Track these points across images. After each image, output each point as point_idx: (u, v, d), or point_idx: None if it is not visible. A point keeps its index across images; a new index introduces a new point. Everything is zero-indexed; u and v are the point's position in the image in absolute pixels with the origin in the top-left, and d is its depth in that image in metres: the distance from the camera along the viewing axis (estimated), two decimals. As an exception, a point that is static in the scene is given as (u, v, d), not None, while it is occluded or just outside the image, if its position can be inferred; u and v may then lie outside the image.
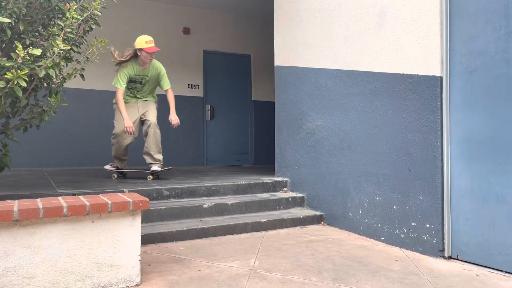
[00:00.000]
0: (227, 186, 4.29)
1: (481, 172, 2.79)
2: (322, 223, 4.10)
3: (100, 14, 2.92)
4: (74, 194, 3.49)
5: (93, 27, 3.07)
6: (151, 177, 4.59)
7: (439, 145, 3.00)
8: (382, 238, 3.43)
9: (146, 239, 3.20)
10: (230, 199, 4.05)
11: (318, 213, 4.12)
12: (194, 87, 7.29)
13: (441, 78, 3.01)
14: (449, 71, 3.00)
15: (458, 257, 2.93)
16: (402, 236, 3.26)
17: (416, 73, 3.17)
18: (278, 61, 4.88)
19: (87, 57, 3.06)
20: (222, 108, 7.62)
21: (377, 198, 3.48)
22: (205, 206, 3.79)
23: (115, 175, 4.89)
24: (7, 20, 2.29)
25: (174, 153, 7.10)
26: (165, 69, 4.80)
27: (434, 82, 3.04)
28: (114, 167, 4.92)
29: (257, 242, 3.38)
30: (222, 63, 7.65)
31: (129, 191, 3.68)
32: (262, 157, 7.95)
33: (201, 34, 7.40)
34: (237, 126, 7.80)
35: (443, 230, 3.00)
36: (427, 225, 3.07)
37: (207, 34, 7.47)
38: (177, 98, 7.10)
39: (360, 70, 3.66)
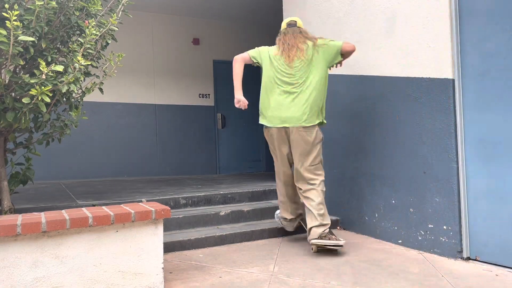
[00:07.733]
0: (242, 193, 4.33)
1: (497, 172, 2.80)
2: (338, 227, 4.12)
3: (116, 29, 3.01)
4: (94, 205, 3.56)
5: (109, 41, 3.16)
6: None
7: (454, 147, 3.02)
8: (400, 241, 3.44)
9: (166, 248, 3.25)
10: (245, 206, 4.09)
11: (333, 217, 4.13)
12: (205, 96, 7.38)
13: (453, 80, 3.03)
14: (461, 73, 3.02)
15: (477, 258, 2.93)
16: (420, 238, 3.27)
17: (428, 76, 3.19)
18: (289, 68, 4.92)
19: (104, 71, 3.15)
20: (233, 117, 7.69)
21: (393, 201, 3.50)
22: (222, 213, 3.84)
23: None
24: (31, 38, 2.38)
25: (187, 161, 7.17)
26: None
27: (446, 85, 3.06)
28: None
29: (274, 248, 3.41)
30: (231, 72, 7.70)
31: (147, 200, 3.74)
32: (274, 164, 7.98)
33: (210, 44, 7.51)
34: (248, 133, 7.86)
35: (460, 231, 3.00)
36: (444, 227, 3.08)
37: (216, 44, 7.57)
38: (188, 107, 7.25)
39: (371, 75, 3.70)
